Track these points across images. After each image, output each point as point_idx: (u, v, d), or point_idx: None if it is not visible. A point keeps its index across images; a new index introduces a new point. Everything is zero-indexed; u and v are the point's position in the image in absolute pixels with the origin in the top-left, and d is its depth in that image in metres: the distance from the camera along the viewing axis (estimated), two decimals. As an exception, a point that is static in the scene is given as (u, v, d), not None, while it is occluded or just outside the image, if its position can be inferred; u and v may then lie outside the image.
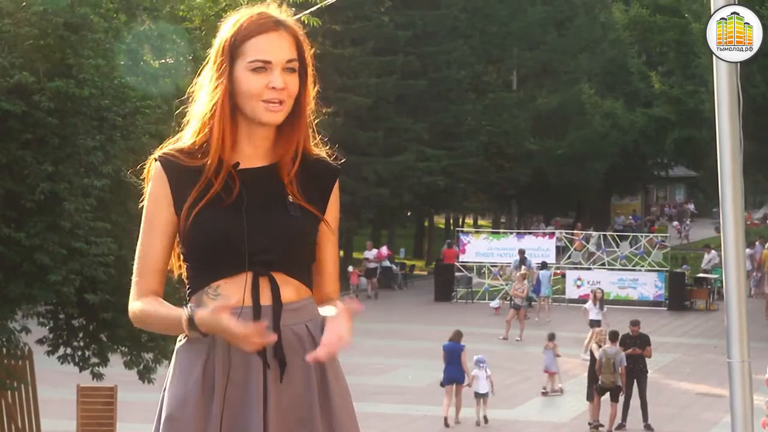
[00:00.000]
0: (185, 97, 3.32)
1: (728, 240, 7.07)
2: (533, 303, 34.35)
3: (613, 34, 53.10)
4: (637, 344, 21.11)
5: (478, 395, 20.64)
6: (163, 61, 14.59)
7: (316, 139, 3.36)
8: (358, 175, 40.65)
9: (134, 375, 14.36)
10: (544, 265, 35.80)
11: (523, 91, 53.96)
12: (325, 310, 3.26)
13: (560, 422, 21.57)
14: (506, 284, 36.90)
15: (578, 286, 37.93)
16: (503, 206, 59.44)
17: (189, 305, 3.18)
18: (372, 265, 40.82)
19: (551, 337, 23.44)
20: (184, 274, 3.30)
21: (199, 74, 3.30)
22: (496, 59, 53.28)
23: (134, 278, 3.29)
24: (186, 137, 3.29)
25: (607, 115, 48.68)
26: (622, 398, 20.65)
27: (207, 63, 3.28)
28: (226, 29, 3.24)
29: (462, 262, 39.38)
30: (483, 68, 52.02)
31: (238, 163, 3.25)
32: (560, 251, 40.85)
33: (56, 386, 18.85)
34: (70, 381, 16.74)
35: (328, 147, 3.41)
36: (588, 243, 41.29)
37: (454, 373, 20.68)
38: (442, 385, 20.81)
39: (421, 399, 22.58)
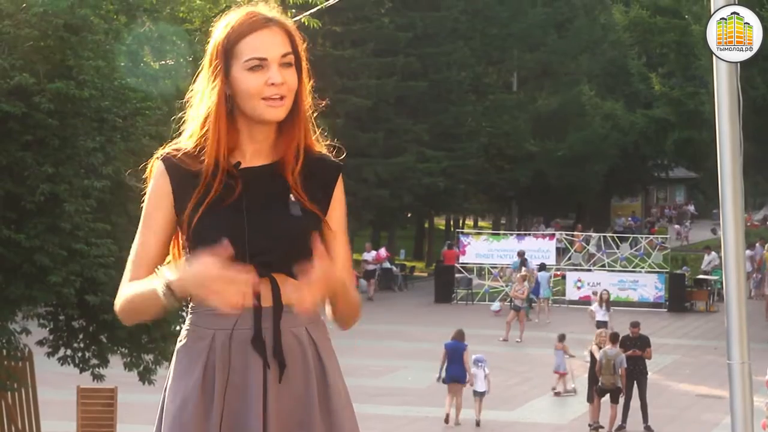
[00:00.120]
0: (184, 101, 3.32)
1: (728, 241, 7.07)
2: (533, 304, 34.37)
3: (614, 36, 53.11)
4: (637, 346, 21.10)
5: (476, 394, 20.69)
6: (163, 62, 14.60)
7: (316, 133, 3.35)
8: (358, 176, 40.64)
9: (134, 376, 14.36)
10: (543, 267, 35.81)
11: (523, 92, 53.97)
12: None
13: (560, 424, 21.56)
14: (506, 286, 36.91)
15: (578, 288, 37.95)
16: (503, 207, 59.45)
17: (162, 269, 3.14)
18: (370, 266, 40.80)
19: (561, 338, 23.49)
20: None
21: (195, 80, 3.30)
22: (497, 61, 53.29)
23: (125, 273, 3.28)
24: (185, 140, 3.29)
25: (608, 117, 48.71)
26: (622, 400, 20.65)
27: (202, 68, 3.28)
28: (218, 32, 3.25)
29: (462, 263, 39.38)
30: (483, 70, 52.03)
31: (239, 162, 3.25)
32: (560, 252, 40.85)
33: (56, 387, 18.84)
34: (70, 382, 16.73)
35: (328, 141, 3.40)
36: (588, 244, 41.29)
37: (456, 372, 20.69)
38: (444, 381, 20.80)
39: (421, 400, 22.58)
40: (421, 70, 45.00)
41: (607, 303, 28.83)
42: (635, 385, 20.85)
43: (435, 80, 45.84)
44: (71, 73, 12.66)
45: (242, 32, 3.20)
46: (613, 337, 20.82)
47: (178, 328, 13.07)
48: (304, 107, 3.28)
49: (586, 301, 36.88)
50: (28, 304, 13.31)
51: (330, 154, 3.37)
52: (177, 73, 14.06)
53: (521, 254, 37.24)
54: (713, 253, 39.36)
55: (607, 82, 54.85)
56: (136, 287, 3.20)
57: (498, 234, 43.65)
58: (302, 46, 3.28)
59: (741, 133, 6.91)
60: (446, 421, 20.65)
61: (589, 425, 20.82)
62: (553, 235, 42.22)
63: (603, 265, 39.07)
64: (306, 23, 16.03)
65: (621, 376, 20.36)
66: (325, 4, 16.25)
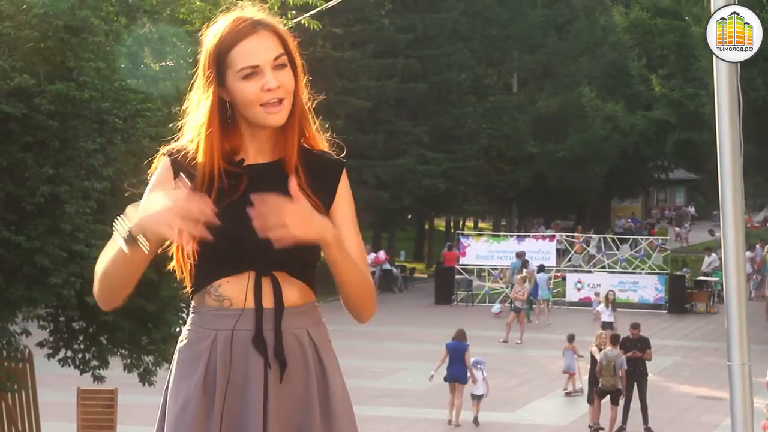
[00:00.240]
0: (182, 110, 3.33)
1: (728, 243, 7.07)
2: (534, 306, 34.38)
3: (614, 37, 53.06)
4: (637, 347, 21.10)
5: (474, 396, 20.73)
6: (163, 63, 14.60)
7: (315, 123, 3.35)
8: (359, 178, 40.64)
9: (135, 378, 14.36)
10: (541, 268, 35.82)
11: (523, 94, 53.96)
12: None
13: (560, 425, 21.56)
14: (506, 287, 36.91)
15: (578, 289, 37.95)
16: (504, 209, 59.44)
17: (118, 220, 3.12)
18: (369, 269, 40.75)
19: (571, 338, 23.53)
20: (187, 274, 3.30)
21: (190, 88, 3.30)
22: (497, 62, 53.30)
23: None
24: (185, 142, 3.30)
25: (608, 118, 48.66)
26: (622, 401, 20.65)
27: (196, 77, 3.28)
28: (208, 41, 3.25)
29: (462, 264, 39.39)
30: (483, 71, 52.03)
31: (242, 159, 3.26)
32: (560, 254, 40.86)
33: (56, 389, 18.84)
34: (71, 384, 16.73)
35: (329, 136, 3.40)
36: (588, 246, 41.29)
37: (457, 372, 20.72)
38: (445, 380, 20.85)
39: (421, 402, 22.57)
40: (421, 72, 45.01)
41: (613, 304, 29.21)
42: (635, 386, 20.84)
43: (435, 82, 45.84)
44: (71, 75, 12.66)
45: (232, 41, 3.20)
46: (614, 339, 20.81)
47: (178, 329, 13.09)
48: (302, 103, 3.29)
49: (586, 303, 36.91)
50: (28, 305, 13.30)
51: (331, 152, 3.37)
52: (177, 75, 14.05)
53: (519, 255, 37.25)
54: (713, 254, 39.35)
55: (608, 84, 54.84)
56: (103, 257, 3.19)
57: (498, 235, 43.65)
58: (293, 44, 3.28)
59: (741, 135, 6.91)
60: (450, 423, 20.71)
61: (590, 427, 20.81)
62: (554, 236, 42.22)
63: (603, 267, 39.06)
64: (306, 25, 16.04)
65: (621, 377, 20.36)
66: (325, 5, 16.25)
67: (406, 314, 35.98)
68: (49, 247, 12.40)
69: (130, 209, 3.11)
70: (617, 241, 40.75)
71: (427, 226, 53.59)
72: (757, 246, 40.97)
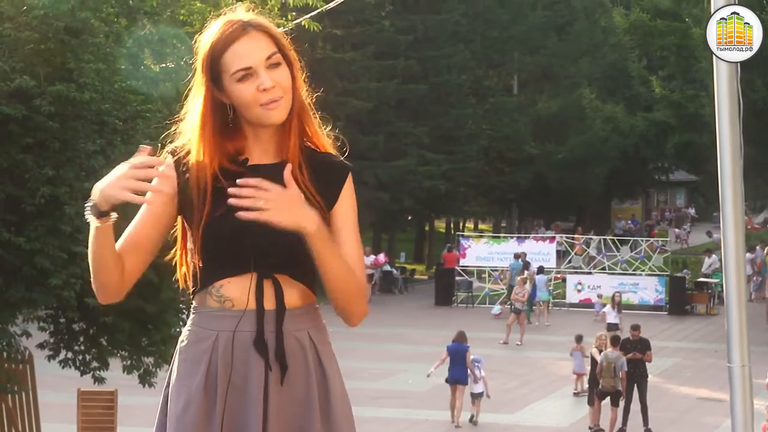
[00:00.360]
0: (181, 112, 3.34)
1: (728, 244, 7.07)
2: (534, 307, 34.38)
3: (614, 39, 53.08)
4: (637, 349, 21.09)
5: (473, 395, 20.78)
6: (163, 65, 14.60)
7: (317, 117, 3.34)
8: (359, 179, 40.61)
9: (135, 379, 14.35)
10: (541, 270, 35.81)
11: (523, 95, 53.98)
12: None
13: (561, 426, 21.55)
14: (505, 288, 36.91)
15: (579, 291, 37.96)
16: (504, 210, 59.45)
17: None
18: (368, 271, 40.75)
19: (579, 339, 23.52)
20: (189, 275, 3.30)
21: (187, 94, 3.32)
22: (497, 64, 53.31)
23: None
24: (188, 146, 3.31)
25: (608, 120, 48.67)
26: (622, 403, 20.64)
27: (194, 82, 3.29)
28: (202, 46, 3.26)
29: (462, 266, 39.39)
30: (484, 72, 52.04)
31: (246, 159, 3.27)
32: (561, 255, 40.85)
33: (57, 390, 18.84)
34: (71, 385, 16.72)
35: (333, 134, 3.40)
36: (588, 247, 41.29)
37: (458, 374, 20.75)
38: (447, 382, 20.91)
39: (421, 403, 22.57)
40: (421, 73, 45.02)
41: (619, 306, 29.32)
42: (635, 388, 20.83)
43: (435, 83, 45.85)
44: (72, 76, 12.66)
45: (224, 45, 3.20)
46: (614, 340, 20.81)
47: (178, 330, 13.08)
48: (302, 99, 3.29)
49: (586, 304, 36.92)
50: (28, 306, 13.30)
51: (338, 155, 3.37)
52: (177, 76, 14.04)
53: (517, 256, 37.27)
54: (714, 256, 39.34)
55: (608, 85, 54.86)
56: (89, 247, 3.21)
57: (498, 237, 43.66)
58: (287, 42, 3.28)
59: (741, 136, 6.91)
60: (457, 425, 20.78)
61: (590, 428, 20.81)
62: (554, 238, 42.22)
63: (603, 268, 39.06)
64: (306, 26, 16.05)
65: (621, 379, 20.35)
66: (325, 7, 16.25)
67: (406, 316, 35.98)
68: (49, 249, 12.39)
69: (94, 190, 3.14)
70: (617, 242, 40.77)
71: (427, 228, 53.60)
72: (757, 247, 40.97)
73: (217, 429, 3.15)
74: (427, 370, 21.62)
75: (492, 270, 38.92)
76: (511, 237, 42.89)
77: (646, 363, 21.17)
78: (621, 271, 38.36)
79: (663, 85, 41.06)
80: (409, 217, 51.16)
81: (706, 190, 62.12)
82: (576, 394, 23.73)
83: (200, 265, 3.23)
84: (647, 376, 21.26)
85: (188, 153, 3.28)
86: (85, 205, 3.13)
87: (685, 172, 65.47)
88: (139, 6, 14.73)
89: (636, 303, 36.86)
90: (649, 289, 37.49)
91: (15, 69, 12.36)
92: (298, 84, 3.28)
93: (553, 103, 52.13)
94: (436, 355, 21.96)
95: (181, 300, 13.27)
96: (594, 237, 43.36)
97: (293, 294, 3.23)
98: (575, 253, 41.00)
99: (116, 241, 3.20)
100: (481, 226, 63.00)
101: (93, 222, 3.12)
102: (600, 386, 20.44)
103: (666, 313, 36.79)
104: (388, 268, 42.80)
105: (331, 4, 16.40)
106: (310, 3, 16.05)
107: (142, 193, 3.09)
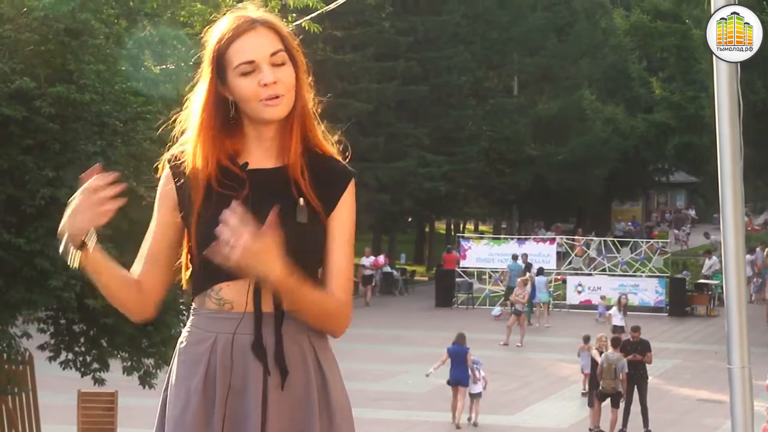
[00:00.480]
0: (184, 107, 3.34)
1: (728, 246, 7.06)
2: (534, 309, 34.39)
3: (614, 40, 53.14)
4: (637, 350, 21.10)
5: (471, 395, 20.80)
6: (164, 66, 14.59)
7: (320, 123, 3.32)
8: (359, 181, 40.33)
9: (135, 380, 14.35)
10: (540, 271, 35.81)
11: (523, 96, 53.97)
12: None
13: (561, 428, 21.55)
14: (505, 289, 36.91)
15: (579, 292, 37.97)
16: (504, 212, 59.44)
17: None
18: (368, 272, 40.72)
19: (586, 339, 23.53)
20: (191, 277, 3.30)
21: (193, 87, 3.31)
22: (497, 65, 53.30)
23: None
24: (187, 143, 3.30)
25: (608, 121, 48.71)
26: (622, 404, 20.65)
27: (199, 74, 3.29)
28: (211, 41, 3.26)
29: (463, 267, 39.38)
30: (484, 74, 52.04)
31: (246, 164, 3.25)
32: (561, 257, 40.86)
33: (57, 392, 18.84)
34: (71, 386, 16.72)
35: (336, 139, 3.38)
36: (589, 248, 41.29)
37: (458, 375, 20.79)
38: (448, 383, 20.96)
39: (422, 405, 22.57)
40: (421, 75, 45.01)
41: (625, 308, 29.30)
42: (636, 389, 20.85)
43: (436, 84, 45.85)
44: (72, 78, 12.66)
45: (230, 39, 3.20)
46: (615, 342, 20.82)
47: (178, 331, 13.07)
48: (304, 103, 3.27)
49: (586, 306, 36.93)
50: (28, 308, 13.30)
51: (342, 161, 3.34)
52: (178, 78, 14.04)
53: (515, 257, 37.27)
54: (714, 257, 39.35)
55: (608, 87, 54.87)
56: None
57: (499, 238, 43.66)
58: (294, 43, 3.26)
59: (741, 138, 6.90)
60: (457, 427, 20.81)
61: (590, 429, 20.82)
62: (554, 239, 42.22)
63: (603, 270, 39.06)
64: (306, 27, 16.04)
65: (622, 380, 20.36)
66: (325, 8, 16.25)
67: (406, 317, 35.98)
68: (50, 250, 12.38)
69: (60, 233, 3.23)
70: (617, 244, 40.76)
71: (427, 229, 53.60)
72: (758, 249, 40.99)
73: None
74: (427, 371, 21.66)
75: (492, 271, 38.91)
76: (512, 238, 42.89)
77: (647, 364, 21.18)
78: (621, 273, 38.36)
79: (663, 87, 41.10)
80: (410, 219, 51.14)
81: (706, 192, 62.17)
82: (584, 394, 23.70)
83: (199, 267, 3.23)
84: (647, 378, 21.27)
85: (186, 155, 3.27)
86: (60, 251, 3.19)
87: (686, 174, 65.50)
88: (140, 7, 14.72)
89: (636, 304, 36.85)
90: (649, 290, 37.49)
91: (15, 70, 12.37)
92: (303, 86, 3.26)
93: (553, 104, 52.12)
94: (437, 357, 21.98)
95: (181, 301, 13.26)
96: (594, 238, 43.35)
97: (293, 297, 3.22)
98: (575, 255, 41.00)
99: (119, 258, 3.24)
100: (481, 228, 63.02)
101: (76, 256, 3.17)
102: (600, 388, 20.44)
103: (666, 314, 36.79)
104: (388, 269, 42.78)
105: (332, 6, 16.40)
106: (311, 4, 16.04)
107: (109, 215, 3.15)
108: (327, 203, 3.24)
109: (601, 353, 20.65)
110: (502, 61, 52.99)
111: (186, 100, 3.33)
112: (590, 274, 39.07)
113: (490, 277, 38.90)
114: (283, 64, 3.20)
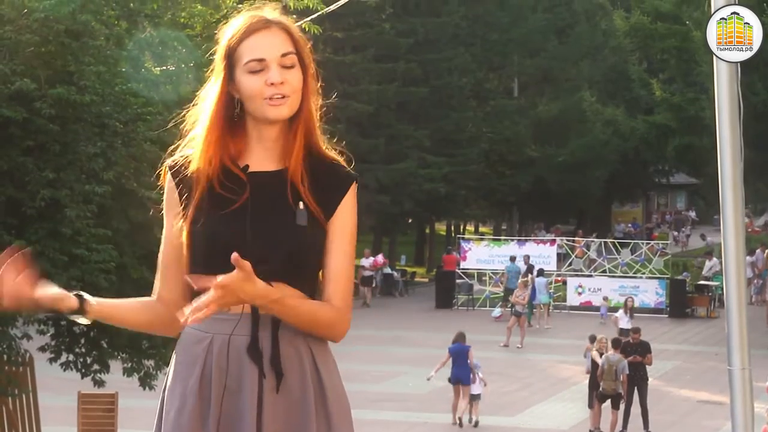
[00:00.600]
0: (192, 104, 3.34)
1: (729, 247, 7.06)
2: (534, 310, 34.39)
3: (614, 42, 53.15)
4: (637, 352, 21.10)
5: (472, 396, 20.83)
6: (164, 67, 14.60)
7: (320, 123, 3.31)
8: (359, 182, 40.56)
9: (135, 381, 14.36)
10: (540, 272, 35.80)
11: (524, 98, 53.97)
12: None
13: (561, 429, 21.55)
14: (503, 291, 36.91)
15: (579, 293, 37.97)
16: (504, 213, 59.44)
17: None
18: (367, 273, 40.70)
19: (593, 340, 23.53)
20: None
21: (193, 90, 3.32)
22: (497, 66, 53.29)
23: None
24: (192, 143, 3.30)
25: (608, 123, 48.75)
26: (622, 405, 20.65)
27: (212, 70, 3.30)
28: (224, 37, 3.26)
29: (463, 269, 39.38)
30: (484, 75, 52.03)
31: (247, 166, 3.24)
32: (561, 258, 40.86)
33: (57, 393, 18.84)
34: (71, 388, 16.73)
35: (337, 147, 3.38)
36: (589, 250, 41.29)
37: (459, 374, 20.82)
38: (449, 381, 21.00)
39: (421, 406, 22.57)
40: (422, 76, 45.01)
41: (631, 311, 29.31)
42: (636, 390, 20.85)
43: (436, 86, 45.85)
44: (72, 79, 12.67)
45: (242, 35, 3.21)
46: (615, 343, 20.82)
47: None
48: (310, 108, 3.26)
49: (587, 307, 36.93)
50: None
51: (344, 164, 3.33)
52: (178, 79, 14.05)
53: (513, 259, 37.26)
54: (714, 258, 39.36)
55: (608, 88, 54.88)
56: None
57: (499, 240, 43.66)
58: (306, 47, 3.26)
59: (741, 139, 6.90)
60: (459, 425, 20.82)
61: (590, 431, 20.82)
62: (554, 240, 42.21)
63: (604, 271, 39.04)
64: (307, 29, 16.04)
65: (622, 382, 20.36)
66: (326, 9, 16.25)
67: (406, 318, 35.97)
68: (50, 251, 12.39)
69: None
70: (618, 245, 40.76)
71: (427, 230, 53.60)
72: (758, 250, 41.00)
73: (213, 432, 3.15)
74: (428, 373, 21.64)
75: (492, 273, 38.91)
76: (512, 240, 42.89)
77: (647, 366, 21.17)
78: (621, 274, 38.35)
79: (663, 88, 41.13)
80: (410, 220, 51.13)
81: (706, 193, 62.21)
82: None
83: (196, 270, 3.21)
84: (647, 379, 21.27)
85: (188, 160, 3.26)
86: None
87: (686, 175, 65.54)
88: (140, 9, 14.74)
89: (636, 306, 36.80)
90: (649, 292, 37.48)
91: (15, 72, 12.37)
92: (310, 90, 3.25)
93: (553, 106, 52.12)
94: (437, 358, 21.97)
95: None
96: (594, 240, 43.33)
97: (290, 301, 3.21)
98: (576, 256, 40.98)
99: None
100: (481, 229, 63.02)
101: (81, 320, 3.35)
102: (601, 389, 20.44)
103: (666, 316, 36.78)
104: (388, 270, 42.77)
105: (332, 7, 16.40)
106: (311, 6, 16.05)
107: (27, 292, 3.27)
108: (326, 208, 3.23)
109: (601, 355, 20.64)
110: (502, 63, 52.98)
111: (195, 97, 3.33)
112: (590, 276, 39.05)
113: (490, 278, 38.89)
114: (292, 66, 3.20)
